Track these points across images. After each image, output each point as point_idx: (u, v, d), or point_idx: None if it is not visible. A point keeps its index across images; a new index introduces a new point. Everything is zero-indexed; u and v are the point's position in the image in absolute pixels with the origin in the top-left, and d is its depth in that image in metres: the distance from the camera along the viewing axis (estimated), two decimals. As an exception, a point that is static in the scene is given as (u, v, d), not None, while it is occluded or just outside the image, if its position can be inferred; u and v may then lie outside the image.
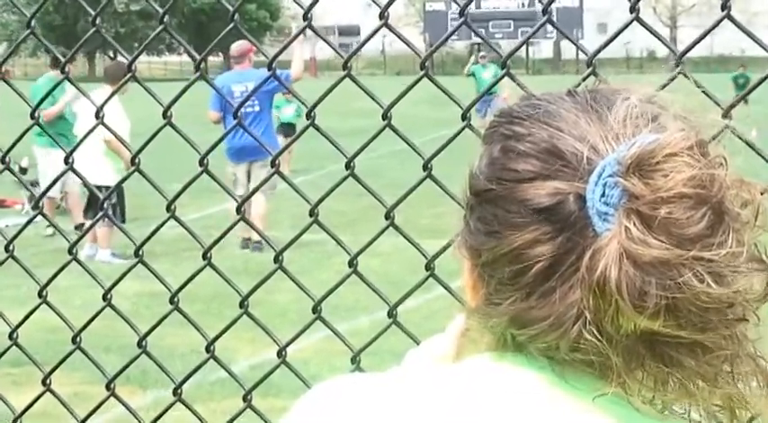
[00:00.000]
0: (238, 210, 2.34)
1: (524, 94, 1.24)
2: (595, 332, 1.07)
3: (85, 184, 3.23)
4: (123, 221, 12.31)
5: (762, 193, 1.12)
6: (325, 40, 2.41)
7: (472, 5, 2.48)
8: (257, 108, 12.27)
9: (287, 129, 20.09)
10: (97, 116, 2.46)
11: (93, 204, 12.05)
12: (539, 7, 2.18)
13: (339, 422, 1.18)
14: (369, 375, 1.27)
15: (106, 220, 12.39)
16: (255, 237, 11.95)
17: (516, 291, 1.12)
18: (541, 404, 1.12)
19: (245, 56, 12.70)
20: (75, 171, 2.59)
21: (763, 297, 1.10)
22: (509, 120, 1.19)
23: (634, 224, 1.04)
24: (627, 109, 1.13)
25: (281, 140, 15.01)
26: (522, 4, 72.83)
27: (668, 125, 1.12)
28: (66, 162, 2.55)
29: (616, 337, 1.07)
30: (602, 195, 1.07)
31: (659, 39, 2.11)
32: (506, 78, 2.16)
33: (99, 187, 11.27)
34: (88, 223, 11.39)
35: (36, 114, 2.53)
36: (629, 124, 1.11)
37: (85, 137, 2.61)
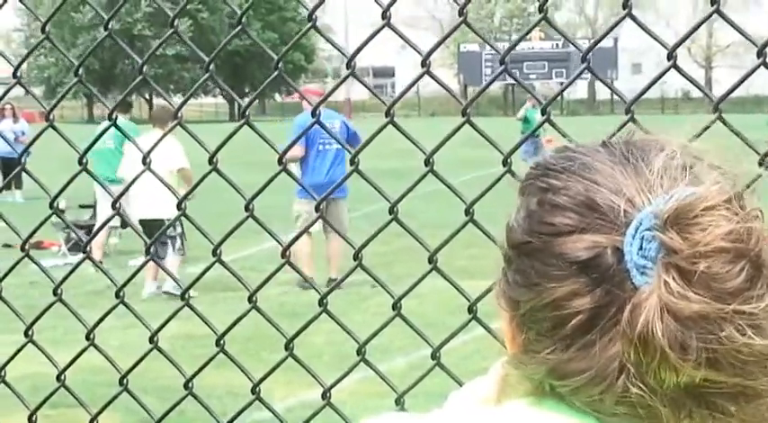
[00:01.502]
0: (283, 254, 2.36)
1: (559, 146, 1.23)
2: (641, 385, 1.06)
3: (127, 224, 3.27)
4: (184, 252, 12.49)
5: None
6: (366, 87, 2.45)
7: (506, 46, 2.51)
8: (337, 146, 12.31)
9: None
10: (144, 162, 2.50)
11: (155, 241, 12.09)
12: (572, 48, 2.20)
13: None
14: (411, 415, 1.28)
15: (176, 249, 12.48)
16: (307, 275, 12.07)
17: (555, 342, 1.11)
18: None
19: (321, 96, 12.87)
20: (122, 216, 2.63)
21: None
22: (544, 172, 1.18)
23: (673, 278, 1.04)
24: (662, 160, 1.12)
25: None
26: (556, 45, 72.90)
27: (703, 176, 1.11)
28: (113, 207, 2.60)
29: (660, 389, 1.06)
30: (640, 248, 1.06)
31: (697, 86, 2.13)
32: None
33: (162, 221, 11.47)
34: (141, 261, 11.54)
35: (84, 160, 2.57)
36: (665, 176, 1.11)
37: (134, 181, 2.66)
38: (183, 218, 2.47)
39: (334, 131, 12.33)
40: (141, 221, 12.04)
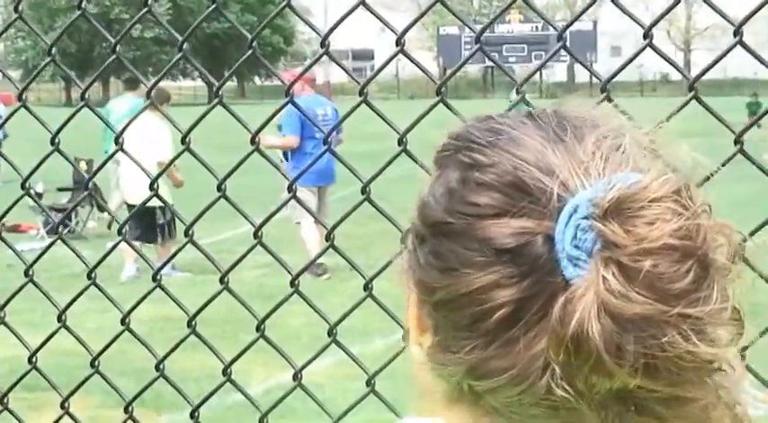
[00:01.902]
0: (255, 234, 2.35)
1: (480, 115, 1.12)
2: (567, 388, 0.97)
3: (103, 208, 3.25)
4: (174, 237, 12.55)
5: (740, 239, 1.02)
6: (342, 67, 2.43)
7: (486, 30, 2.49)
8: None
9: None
10: (116, 141, 2.49)
11: (140, 225, 12.19)
12: (552, 31, 2.18)
13: None
14: None
15: (165, 238, 12.62)
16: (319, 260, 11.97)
17: (476, 338, 1.01)
18: None
19: (314, 81, 12.99)
20: (94, 197, 2.61)
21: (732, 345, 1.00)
22: (468, 146, 1.07)
23: (613, 275, 0.94)
24: (596, 140, 1.03)
25: (285, 165, 14.92)
26: (536, 28, 72.82)
27: (644, 162, 1.02)
28: (86, 187, 2.58)
29: (588, 393, 0.97)
30: (574, 237, 0.96)
31: (673, 65, 2.12)
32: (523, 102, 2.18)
33: (152, 207, 11.57)
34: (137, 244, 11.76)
35: (56, 141, 2.54)
36: (602, 158, 1.01)
37: (109, 160, 2.65)
38: (170, 204, 2.42)
39: (327, 118, 12.52)
40: (129, 206, 12.04)
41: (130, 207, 12.10)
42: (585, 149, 1.02)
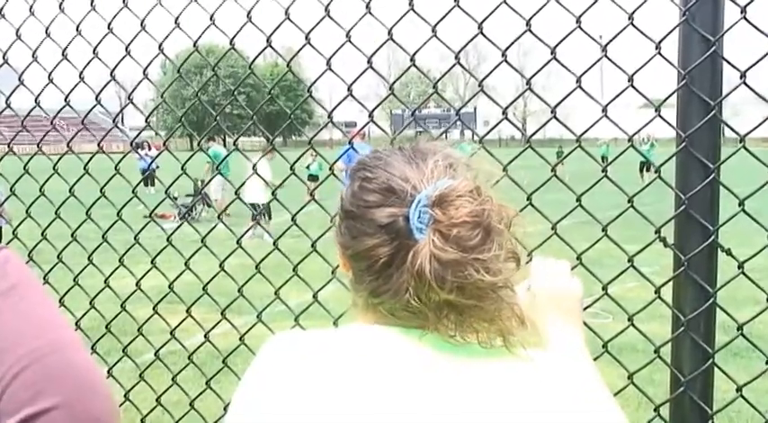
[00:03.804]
0: (292, 219, 2.33)
1: (374, 149, 1.11)
2: (416, 299, 0.98)
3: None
4: (270, 218, 12.52)
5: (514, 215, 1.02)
6: (340, 130, 2.41)
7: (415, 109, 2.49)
8: None
9: (313, 177, 19.58)
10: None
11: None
12: (452, 112, 2.18)
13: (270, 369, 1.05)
14: (301, 331, 1.11)
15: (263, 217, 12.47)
16: None
17: (370, 275, 1.02)
18: (395, 345, 1.02)
19: (364, 135, 13.01)
20: (239, 198, 2.57)
21: (516, 273, 1.01)
22: (364, 167, 1.07)
23: (438, 238, 0.96)
24: (434, 162, 1.03)
25: (310, 185, 14.94)
26: (445, 110, 74.13)
27: (459, 173, 1.02)
28: (236, 193, 2.54)
29: (428, 302, 0.98)
30: (419, 217, 0.97)
31: (517, 128, 2.13)
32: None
33: (255, 203, 11.77)
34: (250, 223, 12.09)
35: (217, 167, 2.51)
36: (435, 172, 1.01)
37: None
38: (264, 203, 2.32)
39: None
40: (249, 204, 12.02)
41: (250, 204, 12.04)
42: (427, 167, 1.02)
